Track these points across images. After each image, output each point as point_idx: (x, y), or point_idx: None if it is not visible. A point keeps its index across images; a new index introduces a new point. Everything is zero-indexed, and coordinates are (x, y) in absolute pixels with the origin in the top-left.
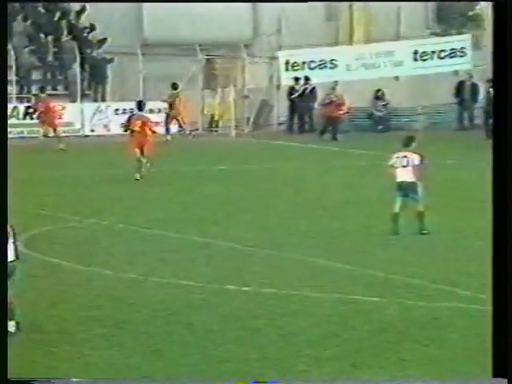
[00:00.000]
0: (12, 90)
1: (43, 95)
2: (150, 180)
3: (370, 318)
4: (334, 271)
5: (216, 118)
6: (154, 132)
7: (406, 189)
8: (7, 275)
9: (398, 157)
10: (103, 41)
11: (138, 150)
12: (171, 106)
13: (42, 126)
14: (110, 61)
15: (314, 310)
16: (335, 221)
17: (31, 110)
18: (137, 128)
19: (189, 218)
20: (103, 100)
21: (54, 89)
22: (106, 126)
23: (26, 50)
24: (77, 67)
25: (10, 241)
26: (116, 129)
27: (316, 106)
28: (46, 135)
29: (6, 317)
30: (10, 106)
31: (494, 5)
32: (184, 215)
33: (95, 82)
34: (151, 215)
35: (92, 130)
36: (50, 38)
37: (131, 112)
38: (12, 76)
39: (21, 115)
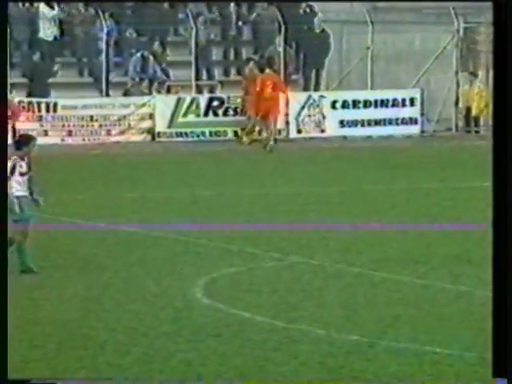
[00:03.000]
0: (190, 75)
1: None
2: (375, 201)
3: None
4: None
5: (474, 112)
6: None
7: None
8: (7, 275)
9: None
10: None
11: (257, 114)
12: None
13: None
14: (326, 33)
15: None
16: None
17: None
18: (268, 89)
19: (433, 256)
20: (316, 88)
21: (240, 73)
22: (318, 125)
23: (202, 19)
24: (280, 42)
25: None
26: (333, 129)
27: None
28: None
29: (6, 317)
30: (187, 98)
31: (494, 5)
32: (425, 252)
33: (305, 62)
34: (379, 252)
35: (299, 131)
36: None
37: (356, 106)
38: (191, 56)
39: (202, 110)
